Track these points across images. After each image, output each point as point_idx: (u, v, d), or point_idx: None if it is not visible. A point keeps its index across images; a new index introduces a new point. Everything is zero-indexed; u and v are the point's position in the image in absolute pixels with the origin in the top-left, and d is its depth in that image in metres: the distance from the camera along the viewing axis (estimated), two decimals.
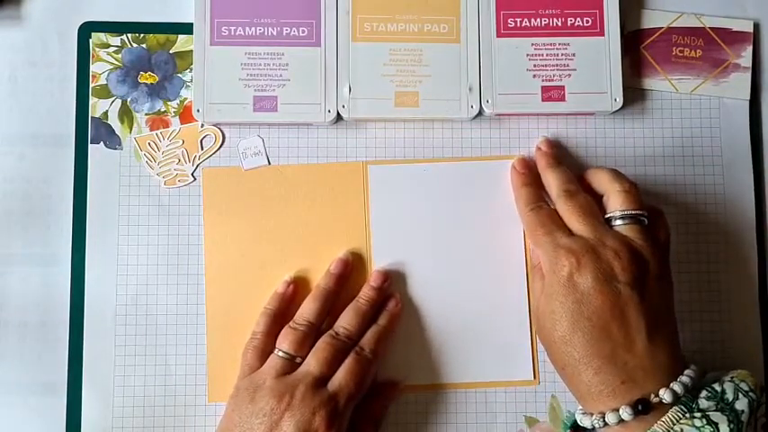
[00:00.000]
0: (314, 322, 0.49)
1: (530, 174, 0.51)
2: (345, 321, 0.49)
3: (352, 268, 0.52)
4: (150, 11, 0.54)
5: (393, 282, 0.52)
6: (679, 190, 0.53)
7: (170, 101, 0.53)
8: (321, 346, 0.47)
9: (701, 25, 0.54)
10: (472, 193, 0.53)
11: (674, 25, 0.54)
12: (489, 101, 0.52)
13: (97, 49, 0.53)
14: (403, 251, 0.52)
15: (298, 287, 0.51)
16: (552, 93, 0.52)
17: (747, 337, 0.52)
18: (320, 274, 0.52)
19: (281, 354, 0.47)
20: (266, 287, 0.51)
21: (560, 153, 0.52)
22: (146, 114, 0.53)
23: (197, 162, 0.53)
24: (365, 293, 0.50)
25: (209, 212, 0.52)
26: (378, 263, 0.52)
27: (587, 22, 0.53)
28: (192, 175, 0.53)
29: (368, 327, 0.49)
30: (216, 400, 0.51)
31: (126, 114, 0.53)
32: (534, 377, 0.52)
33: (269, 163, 0.53)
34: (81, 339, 0.51)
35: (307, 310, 0.49)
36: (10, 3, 0.54)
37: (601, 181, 0.48)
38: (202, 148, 0.53)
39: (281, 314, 0.50)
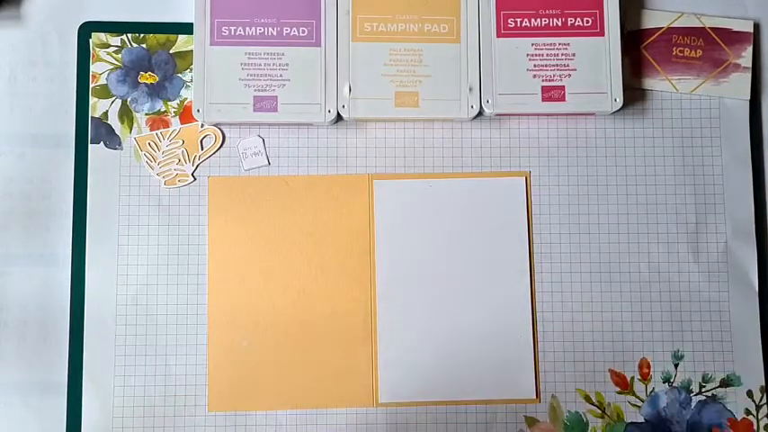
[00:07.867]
0: None
1: None
2: None
3: None
4: (150, 11, 0.54)
5: (396, 299, 0.52)
6: (679, 190, 0.53)
7: (170, 101, 0.53)
8: None
9: (701, 25, 0.54)
10: (477, 209, 0.53)
11: (674, 25, 0.54)
12: (489, 101, 0.52)
13: (97, 49, 0.53)
14: (407, 265, 0.52)
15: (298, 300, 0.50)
16: (552, 93, 0.52)
17: (747, 338, 0.52)
18: (324, 287, 0.51)
19: None
20: (269, 298, 0.51)
21: None
22: (146, 114, 0.53)
23: (197, 162, 0.53)
24: None
25: (214, 221, 0.52)
26: (381, 276, 0.52)
27: (587, 22, 0.53)
28: (192, 175, 0.53)
29: None
30: (216, 410, 0.51)
31: (126, 114, 0.53)
32: (536, 396, 0.52)
33: (269, 163, 0.53)
34: (81, 339, 0.51)
35: None
36: (10, 3, 0.54)
37: None
38: (202, 148, 0.53)
39: None
